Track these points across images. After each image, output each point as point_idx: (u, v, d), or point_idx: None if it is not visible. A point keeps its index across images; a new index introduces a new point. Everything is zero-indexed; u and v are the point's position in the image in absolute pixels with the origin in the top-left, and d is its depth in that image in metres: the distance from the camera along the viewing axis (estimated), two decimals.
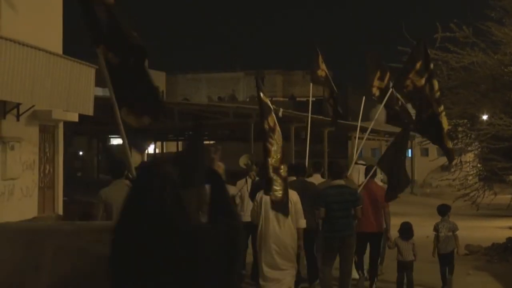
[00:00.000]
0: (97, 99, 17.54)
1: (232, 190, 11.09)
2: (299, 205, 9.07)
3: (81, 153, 48.47)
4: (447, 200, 17.65)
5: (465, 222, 20.68)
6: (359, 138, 13.37)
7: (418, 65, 10.46)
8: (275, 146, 8.54)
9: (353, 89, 45.66)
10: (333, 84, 13.32)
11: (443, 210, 10.92)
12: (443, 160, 18.19)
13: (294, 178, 10.21)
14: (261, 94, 8.93)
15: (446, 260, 10.65)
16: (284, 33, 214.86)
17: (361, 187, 10.47)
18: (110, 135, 41.83)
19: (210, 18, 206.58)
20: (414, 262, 10.35)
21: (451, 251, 10.70)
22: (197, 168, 4.23)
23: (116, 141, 49.23)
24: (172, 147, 49.19)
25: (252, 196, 9.82)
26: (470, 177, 16.96)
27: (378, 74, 11.95)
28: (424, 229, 16.40)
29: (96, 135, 39.98)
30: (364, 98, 12.36)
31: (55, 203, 17.46)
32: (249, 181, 11.63)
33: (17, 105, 15.09)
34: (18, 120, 15.44)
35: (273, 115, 8.89)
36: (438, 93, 10.52)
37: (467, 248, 15.57)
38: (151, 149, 56.36)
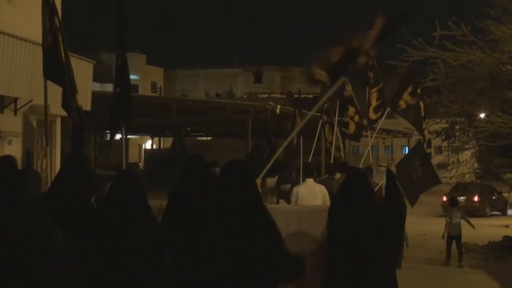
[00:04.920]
0: (95, 94, 17.53)
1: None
2: (327, 197, 10.33)
3: None
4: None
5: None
6: (366, 136, 14.32)
7: (410, 88, 11.27)
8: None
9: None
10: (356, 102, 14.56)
11: (455, 202, 14.20)
12: (440, 158, 18.25)
13: (326, 176, 12.33)
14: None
15: (455, 240, 13.57)
16: (283, 30, 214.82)
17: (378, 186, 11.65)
18: (108, 130, 41.78)
19: (208, 15, 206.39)
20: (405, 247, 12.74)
21: (459, 234, 13.63)
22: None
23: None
24: (169, 142, 49.17)
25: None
26: (467, 176, 16.98)
27: (411, 88, 11.48)
28: (420, 227, 16.46)
29: (94, 130, 39.93)
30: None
31: None
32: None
33: (15, 100, 15.08)
34: (15, 114, 15.43)
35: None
36: (423, 113, 11.45)
37: (464, 246, 15.61)
38: (148, 144, 56.40)
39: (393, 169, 11.90)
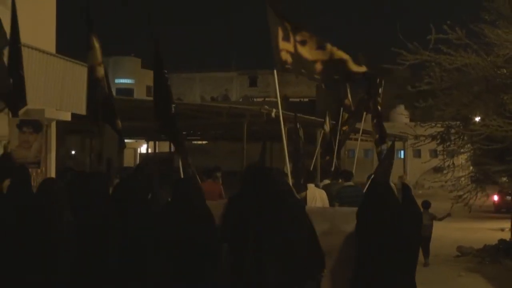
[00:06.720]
0: None
1: None
2: (326, 201, 10.75)
3: (73, 152, 48.34)
4: (439, 201, 17.72)
5: (457, 224, 20.74)
6: (352, 139, 14.37)
7: (280, 32, 8.06)
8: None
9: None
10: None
11: (426, 205, 14.58)
12: (436, 161, 18.23)
13: (328, 181, 12.76)
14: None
15: (424, 242, 13.71)
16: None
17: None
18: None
19: (205, 17, 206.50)
20: None
21: (428, 235, 14.16)
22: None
23: None
24: (164, 147, 49.10)
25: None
26: (463, 179, 16.96)
27: (281, 31, 8.29)
28: None
29: (89, 134, 39.84)
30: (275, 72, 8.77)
31: None
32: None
33: None
34: None
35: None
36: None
37: (459, 249, 15.62)
38: (143, 148, 56.29)
39: (406, 180, 12.12)
